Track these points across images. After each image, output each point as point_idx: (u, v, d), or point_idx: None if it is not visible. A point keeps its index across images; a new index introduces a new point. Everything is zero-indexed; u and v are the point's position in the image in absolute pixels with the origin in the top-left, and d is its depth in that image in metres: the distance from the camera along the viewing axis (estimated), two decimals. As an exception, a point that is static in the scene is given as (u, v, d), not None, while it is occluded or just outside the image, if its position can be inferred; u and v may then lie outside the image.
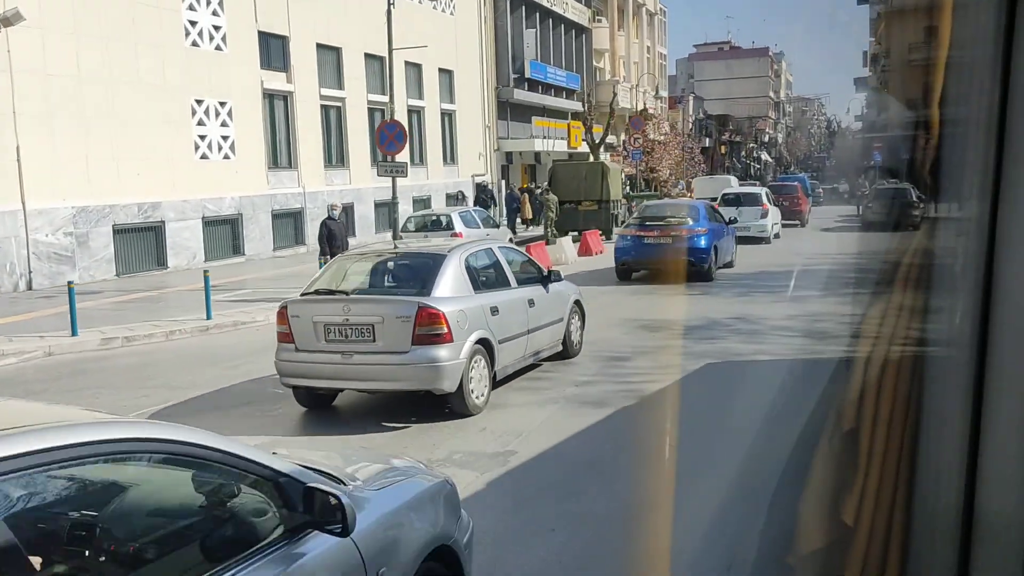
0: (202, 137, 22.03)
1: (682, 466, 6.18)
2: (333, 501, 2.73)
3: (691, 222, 17.36)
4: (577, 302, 10.26)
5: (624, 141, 43.78)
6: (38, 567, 2.22)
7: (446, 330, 7.41)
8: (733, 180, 37.65)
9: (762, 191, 28.17)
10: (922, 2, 3.94)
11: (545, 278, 9.51)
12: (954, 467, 1.20)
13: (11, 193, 17.02)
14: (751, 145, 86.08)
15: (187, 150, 21.51)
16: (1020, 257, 1.08)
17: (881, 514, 1.90)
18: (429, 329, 7.39)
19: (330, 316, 7.63)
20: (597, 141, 33.43)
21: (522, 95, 39.37)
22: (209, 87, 22.12)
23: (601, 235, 25.30)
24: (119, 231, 19.59)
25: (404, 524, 3.35)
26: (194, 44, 21.74)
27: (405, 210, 26.89)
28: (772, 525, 4.71)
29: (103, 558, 2.52)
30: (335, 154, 27.68)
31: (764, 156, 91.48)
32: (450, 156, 34.59)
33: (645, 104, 52.95)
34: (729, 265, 19.05)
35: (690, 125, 65.75)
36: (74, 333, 11.96)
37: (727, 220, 19.61)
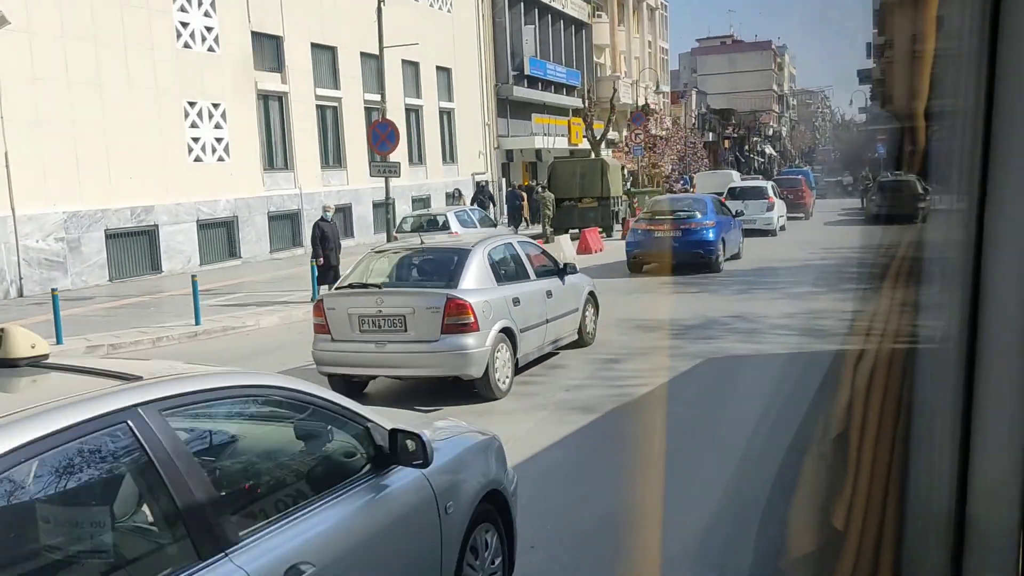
0: (195, 139, 21.77)
1: (672, 472, 5.94)
2: (412, 444, 3.26)
3: (699, 215, 17.84)
4: (591, 293, 10.65)
5: (626, 137, 43.43)
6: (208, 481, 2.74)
7: (473, 320, 7.88)
8: (735, 175, 37.42)
9: (768, 185, 28.81)
10: None
11: (561, 270, 9.96)
12: (945, 470, 1.20)
13: (0, 199, 16.80)
14: (755, 139, 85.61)
15: (180, 153, 21.27)
16: (1008, 256, 1.07)
17: (872, 518, 1.91)
18: (457, 319, 7.87)
19: (364, 308, 8.15)
20: (598, 137, 33.16)
21: (522, 92, 39.02)
22: (202, 89, 21.87)
23: (601, 232, 24.93)
24: (111, 236, 19.35)
25: (464, 469, 3.93)
26: (186, 46, 21.49)
27: (404, 210, 26.65)
28: (765, 531, 4.59)
29: (241, 486, 3.11)
30: (332, 155, 27.38)
31: (768, 150, 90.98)
32: (449, 155, 34.27)
33: (647, 99, 52.61)
34: (736, 256, 19.37)
35: (693, 120, 65.41)
36: (59, 341, 11.72)
37: (734, 213, 20.19)
